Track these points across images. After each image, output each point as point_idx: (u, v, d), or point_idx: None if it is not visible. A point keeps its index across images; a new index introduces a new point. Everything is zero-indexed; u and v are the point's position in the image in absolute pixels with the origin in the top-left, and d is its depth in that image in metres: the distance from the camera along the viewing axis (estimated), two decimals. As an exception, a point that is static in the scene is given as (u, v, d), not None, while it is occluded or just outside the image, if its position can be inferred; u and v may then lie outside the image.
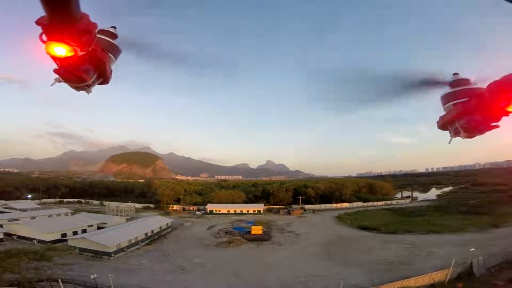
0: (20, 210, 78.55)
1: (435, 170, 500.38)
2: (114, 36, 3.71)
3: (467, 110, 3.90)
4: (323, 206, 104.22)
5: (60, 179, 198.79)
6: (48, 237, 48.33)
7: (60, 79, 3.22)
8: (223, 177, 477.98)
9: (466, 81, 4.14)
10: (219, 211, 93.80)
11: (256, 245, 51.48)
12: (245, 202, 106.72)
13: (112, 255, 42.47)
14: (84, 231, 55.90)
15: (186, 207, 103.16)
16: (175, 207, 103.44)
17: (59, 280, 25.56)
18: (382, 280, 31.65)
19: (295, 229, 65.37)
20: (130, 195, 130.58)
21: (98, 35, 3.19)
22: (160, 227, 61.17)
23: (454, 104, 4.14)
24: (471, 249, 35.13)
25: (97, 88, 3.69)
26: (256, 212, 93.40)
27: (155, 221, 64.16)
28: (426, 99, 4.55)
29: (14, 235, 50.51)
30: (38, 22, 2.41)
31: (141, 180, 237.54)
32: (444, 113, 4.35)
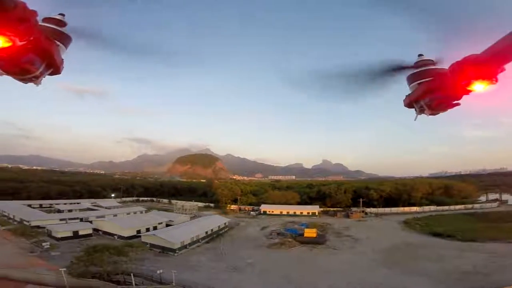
0: (106, 208, 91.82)
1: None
2: (61, 23, 3.53)
3: (431, 89, 4.14)
4: (387, 209, 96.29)
5: (136, 179, 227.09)
6: (126, 233, 55.23)
7: (2, 72, 3.07)
8: (276, 177, 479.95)
9: (430, 62, 4.35)
10: (273, 212, 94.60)
11: (309, 248, 50.39)
12: (299, 204, 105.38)
13: (177, 251, 46.37)
14: (155, 228, 61.77)
15: (242, 207, 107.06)
16: (232, 206, 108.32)
17: (132, 274, 29.28)
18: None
19: (353, 234, 61.90)
20: (193, 194, 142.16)
21: (43, 23, 3.03)
22: (219, 226, 64.70)
23: (419, 83, 4.36)
24: None
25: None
26: (310, 214, 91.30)
27: (214, 220, 68.30)
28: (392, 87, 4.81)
29: (100, 230, 58.69)
30: None
31: (203, 180, 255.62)
32: (409, 92, 4.58)
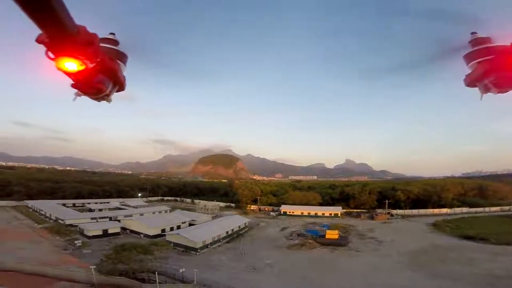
0: (133, 207, 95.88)
1: None
2: (115, 43, 3.74)
3: (495, 67, 3.99)
4: (415, 211, 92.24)
5: (161, 179, 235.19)
6: (152, 232, 57.30)
7: (80, 93, 3.29)
8: (297, 178, 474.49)
9: (487, 39, 4.19)
10: (293, 212, 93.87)
11: (330, 250, 49.59)
12: (321, 205, 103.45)
13: (199, 250, 47.54)
14: (178, 227, 63.63)
15: (262, 207, 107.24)
16: (253, 207, 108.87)
17: (156, 272, 30.51)
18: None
19: (377, 236, 60.05)
20: (215, 194, 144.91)
21: (101, 44, 3.18)
22: (239, 226, 65.45)
23: (478, 62, 4.21)
24: None
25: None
26: (332, 215, 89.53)
27: (235, 220, 69.13)
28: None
29: (127, 229, 61.35)
30: (38, 40, 2.40)
31: (224, 180, 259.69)
32: (468, 71, 4.46)
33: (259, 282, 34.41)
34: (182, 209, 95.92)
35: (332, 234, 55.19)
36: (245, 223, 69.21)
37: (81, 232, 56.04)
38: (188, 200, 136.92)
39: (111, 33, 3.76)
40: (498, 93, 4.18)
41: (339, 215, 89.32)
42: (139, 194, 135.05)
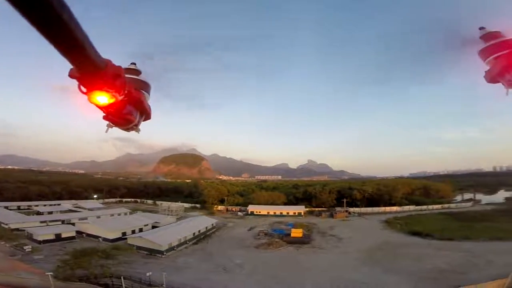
0: (88, 209, 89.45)
1: (504, 169, 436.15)
2: (138, 72, 3.81)
3: None
4: (369, 209, 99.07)
5: (119, 180, 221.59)
6: (111, 236, 54.15)
7: (111, 124, 3.35)
8: (263, 177, 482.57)
9: (498, 34, 4.13)
10: (260, 212, 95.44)
11: (295, 248, 51.56)
12: (286, 204, 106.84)
13: (164, 253, 46.06)
14: (140, 230, 60.87)
15: (229, 207, 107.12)
16: (219, 207, 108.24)
17: (122, 277, 29.08)
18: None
19: (337, 233, 63.59)
20: (179, 195, 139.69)
21: (126, 75, 3.25)
22: (206, 227, 64.68)
23: (496, 57, 4.12)
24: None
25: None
26: (296, 214, 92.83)
27: (202, 221, 68.14)
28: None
29: (84, 233, 57.20)
30: (70, 75, 2.47)
31: (188, 180, 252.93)
32: (487, 68, 4.34)
33: (230, 282, 34.59)
34: (144, 211, 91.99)
35: (297, 233, 57.34)
36: (212, 224, 68.63)
37: (30, 237, 50.94)
38: (150, 202, 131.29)
39: (132, 63, 3.79)
40: None
41: (302, 214, 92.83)
42: (95, 196, 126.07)
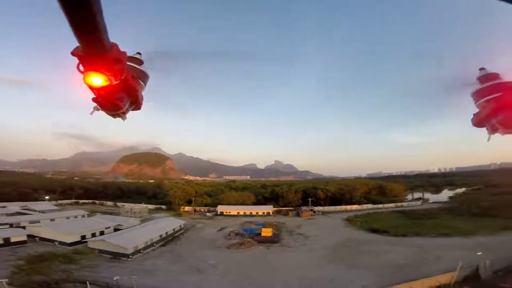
0: (40, 211, 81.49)
1: (448, 170, 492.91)
2: (141, 62, 3.77)
3: (503, 105, 3.76)
4: (332, 208, 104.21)
5: (74, 180, 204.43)
6: (69, 239, 50.25)
7: (98, 107, 3.34)
8: (231, 177, 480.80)
9: (495, 75, 4.01)
10: (229, 212, 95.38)
11: (266, 247, 52.58)
12: (255, 204, 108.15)
13: (130, 256, 43.97)
14: (102, 233, 57.55)
15: (197, 208, 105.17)
16: (187, 208, 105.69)
17: (87, 282, 27.23)
18: (389, 283, 32.30)
19: (304, 232, 66.00)
20: (142, 196, 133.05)
21: (127, 63, 3.20)
22: (174, 229, 62.91)
23: (487, 100, 3.97)
24: (479, 253, 36.03)
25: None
26: (265, 214, 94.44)
27: (168, 223, 66.10)
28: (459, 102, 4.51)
29: (36, 236, 52.28)
30: (73, 53, 2.44)
31: (151, 181, 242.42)
32: (477, 110, 4.19)
33: (203, 283, 34.27)
34: (103, 213, 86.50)
35: (266, 232, 58.44)
36: (180, 225, 66.92)
37: (-29, 243, 44.90)
38: (110, 203, 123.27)
39: (138, 53, 3.80)
40: (505, 133, 3.90)
41: (271, 213, 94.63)
42: (47, 197, 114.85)
